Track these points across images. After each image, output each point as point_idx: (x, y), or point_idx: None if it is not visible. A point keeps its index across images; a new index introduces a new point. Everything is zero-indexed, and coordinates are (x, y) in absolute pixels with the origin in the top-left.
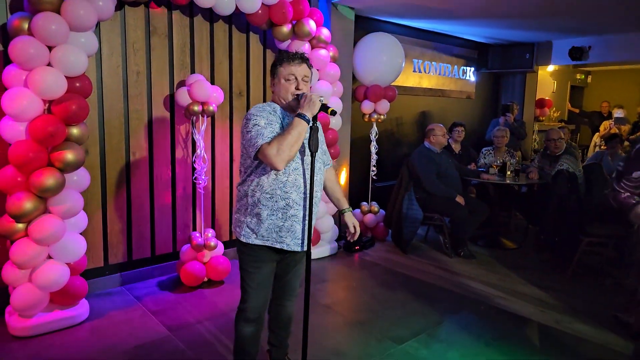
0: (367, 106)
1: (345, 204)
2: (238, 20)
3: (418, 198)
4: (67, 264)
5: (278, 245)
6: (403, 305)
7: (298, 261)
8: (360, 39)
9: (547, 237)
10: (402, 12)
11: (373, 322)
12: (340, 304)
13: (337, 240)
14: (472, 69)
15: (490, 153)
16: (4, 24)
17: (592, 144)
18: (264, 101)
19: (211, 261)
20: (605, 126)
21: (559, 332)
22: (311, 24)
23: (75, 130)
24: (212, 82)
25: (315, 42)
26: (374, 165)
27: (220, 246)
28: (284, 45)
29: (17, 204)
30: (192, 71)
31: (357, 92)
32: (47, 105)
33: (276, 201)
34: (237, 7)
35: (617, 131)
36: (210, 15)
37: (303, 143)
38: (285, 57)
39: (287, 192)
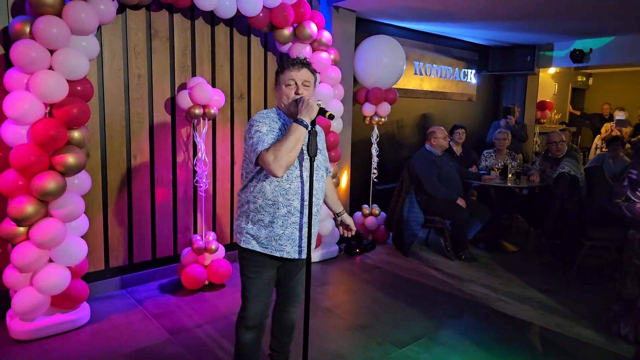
0: (368, 109)
1: (340, 207)
2: (239, 23)
3: (419, 201)
4: (68, 267)
5: (278, 254)
6: (404, 308)
7: (301, 267)
8: (361, 42)
9: (548, 240)
10: (403, 14)
11: (374, 325)
12: (341, 308)
13: (338, 243)
14: (473, 71)
15: (492, 155)
16: (5, 27)
17: (594, 146)
18: (265, 104)
19: (212, 264)
20: (606, 128)
21: (561, 336)
22: (312, 27)
23: (76, 134)
24: (213, 85)
25: (317, 45)
26: (375, 168)
27: (221, 249)
28: (285, 48)
29: (18, 207)
30: (193, 74)
31: (358, 94)
32: (48, 108)
33: (278, 208)
34: (238, 10)
35: (619, 133)
36: (212, 18)
37: (302, 148)
38: (286, 63)
39: (289, 200)
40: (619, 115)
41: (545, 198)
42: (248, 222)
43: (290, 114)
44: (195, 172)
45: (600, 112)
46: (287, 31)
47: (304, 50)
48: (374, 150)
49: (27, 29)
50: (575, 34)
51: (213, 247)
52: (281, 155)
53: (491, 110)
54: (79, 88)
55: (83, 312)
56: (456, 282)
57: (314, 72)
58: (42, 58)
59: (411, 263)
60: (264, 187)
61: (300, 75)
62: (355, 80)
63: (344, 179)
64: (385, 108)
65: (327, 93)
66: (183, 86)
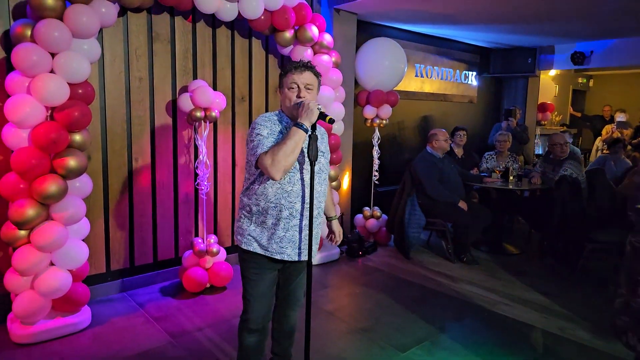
0: (369, 111)
1: (332, 212)
2: (240, 26)
3: (420, 203)
4: (69, 270)
5: (278, 256)
6: (406, 311)
7: (301, 271)
8: (362, 44)
9: (550, 242)
10: (404, 17)
11: (376, 329)
12: (343, 311)
13: (339, 246)
14: (474, 73)
15: (493, 157)
16: (7, 30)
17: (594, 148)
18: (266, 106)
19: (213, 267)
20: (607, 130)
21: (563, 339)
22: (313, 30)
23: (77, 137)
24: (215, 88)
25: (318, 47)
26: (376, 170)
27: (223, 252)
28: (286, 51)
29: (19, 211)
30: (195, 77)
31: (359, 97)
32: (49, 112)
33: (281, 210)
34: (239, 13)
35: (620, 135)
36: (213, 21)
37: (303, 152)
38: (289, 66)
39: (291, 202)
40: (620, 117)
41: (547, 200)
42: (250, 224)
43: (293, 117)
44: (196, 174)
45: (601, 114)
46: (288, 34)
47: (305, 53)
48: (375, 153)
49: (29, 32)
50: (576, 36)
51: (214, 249)
52: (279, 159)
53: (492, 112)
54: (80, 91)
55: (84, 316)
56: (458, 284)
57: (317, 75)
58: (44, 61)
59: (413, 266)
60: (267, 190)
61: (303, 78)
62: (356, 83)
63: (346, 181)
64: (386, 110)
65: (328, 95)
66: (184, 89)
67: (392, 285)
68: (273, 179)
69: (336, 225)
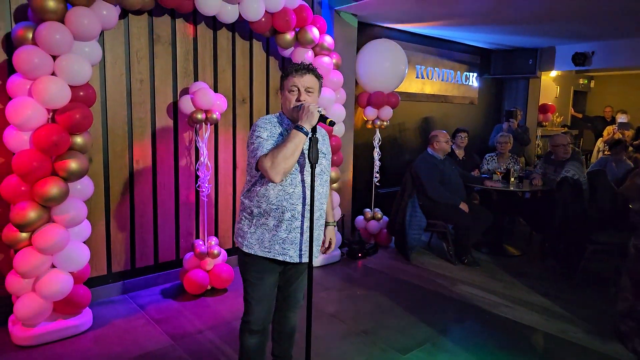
0: (370, 112)
1: (330, 218)
2: (241, 27)
3: (421, 205)
4: (70, 272)
5: (281, 258)
6: (407, 313)
7: (301, 273)
8: (363, 46)
9: (551, 244)
10: (405, 18)
11: (377, 331)
12: (344, 313)
13: (340, 247)
14: (475, 74)
15: (494, 159)
16: (8, 33)
17: (596, 149)
18: (267, 108)
19: (214, 269)
20: (608, 131)
21: (564, 342)
22: (314, 32)
23: (79, 139)
24: (216, 90)
25: (319, 49)
26: (377, 172)
27: (224, 254)
28: (287, 53)
29: (21, 213)
30: (196, 79)
31: (360, 98)
32: (51, 114)
33: (283, 212)
34: (240, 15)
35: (621, 136)
36: (214, 23)
37: (304, 155)
38: (290, 68)
39: (293, 204)
40: (621, 118)
41: (548, 202)
42: (251, 226)
43: (294, 119)
44: (197, 176)
45: (602, 115)
46: (289, 36)
47: (305, 55)
48: (376, 154)
49: (30, 35)
50: (577, 37)
51: (215, 251)
52: (278, 161)
53: (493, 114)
54: (81, 93)
55: (85, 318)
56: (459, 286)
57: (319, 77)
58: (45, 64)
59: (414, 267)
60: (268, 192)
61: (303, 81)
62: (357, 84)
63: (347, 183)
64: (387, 112)
65: (329, 97)
66: (185, 91)
67: (393, 287)
68: (273, 182)
69: (331, 233)
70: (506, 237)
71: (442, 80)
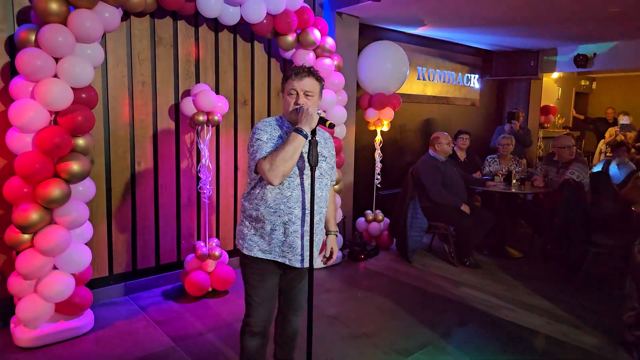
0: (371, 114)
1: (333, 226)
2: (243, 29)
3: (423, 207)
4: (72, 274)
5: (280, 260)
6: (409, 316)
7: (303, 276)
8: (364, 48)
9: (554, 246)
10: (406, 20)
11: (379, 333)
12: (345, 315)
13: (341, 249)
14: (476, 76)
15: (496, 161)
16: (11, 35)
17: (598, 150)
18: (269, 110)
19: (215, 271)
20: (610, 133)
21: (567, 345)
22: (316, 33)
23: (81, 141)
24: (217, 92)
25: (320, 51)
26: (378, 173)
27: (225, 255)
28: (288, 55)
29: (23, 215)
30: (197, 81)
31: (361, 100)
32: (53, 116)
33: (279, 216)
34: (242, 17)
35: (623, 138)
36: (215, 25)
37: (303, 157)
38: (289, 72)
39: (290, 207)
40: (624, 120)
41: (550, 204)
42: (251, 229)
43: (294, 122)
44: (198, 178)
45: (604, 116)
46: (290, 37)
47: (307, 57)
48: (378, 156)
49: (33, 37)
50: (579, 39)
51: (216, 253)
52: (277, 164)
53: (494, 115)
54: (83, 95)
55: (87, 319)
56: (460, 288)
57: (319, 80)
58: (47, 66)
59: (415, 269)
60: (266, 195)
61: (302, 84)
62: (358, 86)
63: (348, 185)
64: (388, 113)
65: (330, 99)
66: (187, 93)
67: (395, 289)
68: (271, 184)
69: (332, 242)
70: (508, 239)
71: (443, 81)
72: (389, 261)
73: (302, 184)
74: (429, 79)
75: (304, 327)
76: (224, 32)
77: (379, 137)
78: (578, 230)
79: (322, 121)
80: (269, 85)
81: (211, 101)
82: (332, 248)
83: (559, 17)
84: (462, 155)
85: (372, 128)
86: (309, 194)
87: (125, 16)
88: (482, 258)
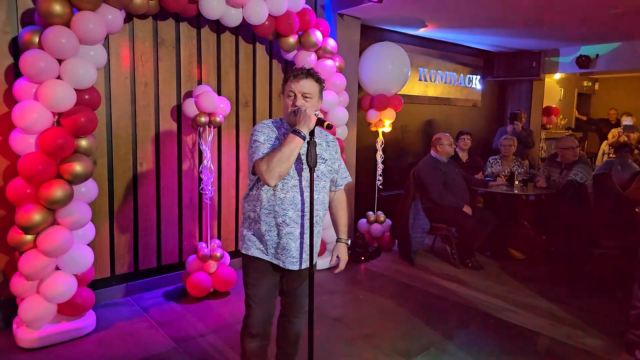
0: (372, 115)
1: (342, 234)
2: (244, 31)
3: (425, 208)
4: (74, 275)
5: (275, 262)
6: (411, 318)
7: (304, 279)
8: (366, 49)
9: (557, 248)
10: (408, 22)
11: (381, 335)
12: (347, 317)
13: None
14: (478, 77)
15: (498, 162)
16: (15, 37)
17: (601, 152)
18: (270, 111)
19: (217, 272)
20: (613, 134)
21: (570, 347)
22: (317, 35)
23: (83, 142)
24: (219, 93)
25: (322, 52)
26: (380, 175)
27: (226, 257)
28: (290, 56)
29: (26, 215)
30: (199, 82)
31: (362, 101)
32: (56, 117)
33: (274, 217)
34: (244, 18)
35: (626, 139)
36: (217, 26)
37: (301, 159)
38: (289, 73)
39: (284, 209)
40: (627, 121)
41: (553, 205)
42: (249, 230)
43: (293, 124)
44: (200, 179)
45: (606, 117)
46: (292, 39)
47: (309, 58)
48: (379, 157)
49: (36, 39)
50: (582, 40)
51: (218, 254)
52: (273, 165)
53: (496, 116)
54: (86, 97)
55: (89, 320)
56: (463, 290)
57: (319, 82)
58: (51, 68)
59: (417, 271)
60: (261, 196)
61: (300, 86)
62: (360, 87)
63: (349, 186)
64: (389, 114)
65: (332, 100)
66: (189, 94)
67: (397, 290)
68: (268, 185)
69: (339, 250)
70: (510, 240)
71: (445, 82)
72: (390, 262)
73: (298, 186)
74: (431, 80)
75: (305, 328)
76: (226, 34)
77: (380, 138)
78: (581, 232)
79: (319, 122)
80: (270, 86)
81: (213, 102)
82: (338, 256)
83: (560, 17)
84: (464, 156)
85: (373, 129)
86: (305, 196)
87: (128, 18)
88: (485, 259)
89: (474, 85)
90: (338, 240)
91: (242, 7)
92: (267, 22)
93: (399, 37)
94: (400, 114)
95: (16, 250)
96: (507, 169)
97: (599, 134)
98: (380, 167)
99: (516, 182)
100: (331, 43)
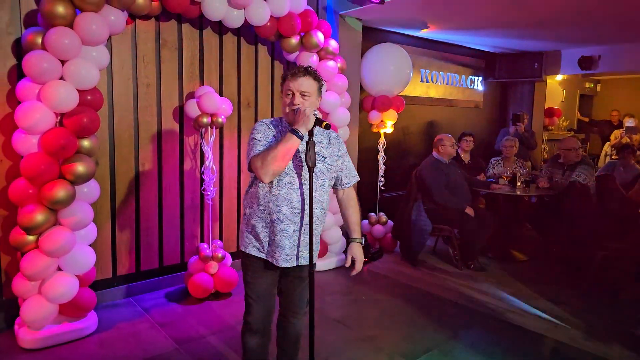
0: (374, 116)
1: (354, 233)
2: (247, 32)
3: (427, 209)
4: (76, 275)
5: (270, 259)
6: (413, 319)
7: (303, 279)
8: (367, 50)
9: (559, 249)
10: (409, 23)
11: (383, 337)
12: (349, 318)
13: (345, 252)
14: (480, 78)
15: (499, 163)
16: (18, 38)
17: (603, 153)
18: (272, 112)
19: (219, 273)
20: (616, 135)
21: (573, 350)
22: (319, 36)
23: (86, 143)
24: (221, 94)
25: (323, 53)
26: (382, 176)
27: (228, 257)
28: (292, 57)
29: (28, 216)
30: (201, 83)
31: (364, 102)
32: (59, 118)
33: (269, 214)
34: (245, 19)
35: (629, 140)
36: (219, 27)
37: (300, 158)
38: (287, 72)
39: (278, 206)
40: (629, 122)
41: (555, 207)
42: (247, 226)
43: (290, 123)
44: (202, 180)
45: (608, 118)
46: (294, 40)
47: (310, 59)
48: (381, 158)
49: (39, 40)
50: (583, 41)
51: (220, 255)
52: (267, 162)
53: (498, 117)
54: (89, 97)
55: (90, 321)
56: (465, 292)
57: (317, 79)
58: (54, 68)
59: (419, 272)
60: (258, 193)
61: (297, 84)
62: (361, 88)
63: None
64: (391, 115)
65: (333, 101)
66: (191, 95)
67: (399, 292)
68: (262, 182)
69: (353, 251)
70: (513, 242)
71: (447, 83)
72: (392, 264)
73: (293, 183)
74: (432, 81)
75: (306, 330)
76: (228, 35)
77: (382, 139)
78: (584, 233)
79: (318, 122)
80: (272, 87)
81: (215, 103)
82: (352, 257)
83: (562, 19)
84: (466, 157)
85: (375, 130)
86: (302, 194)
87: (131, 19)
88: (487, 261)
89: (475, 87)
90: (351, 240)
91: (244, 9)
92: (269, 24)
93: (400, 38)
94: (402, 115)
95: (18, 251)
96: (509, 170)
97: (601, 135)
98: (382, 168)
99: (518, 184)
100: (333, 44)
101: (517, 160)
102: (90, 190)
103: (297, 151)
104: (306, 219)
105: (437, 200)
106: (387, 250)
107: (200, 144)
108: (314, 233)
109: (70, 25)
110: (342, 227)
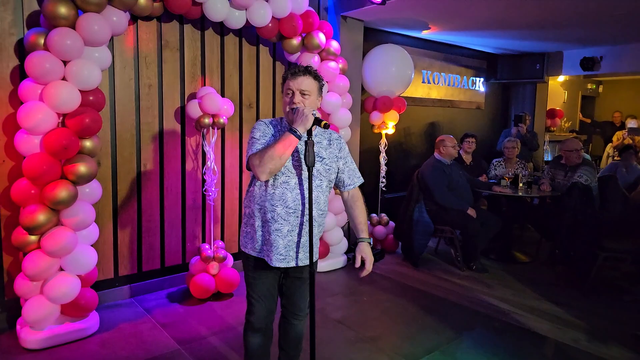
0: (376, 117)
1: (362, 233)
2: (248, 33)
3: (429, 210)
4: (78, 275)
5: (265, 259)
6: (415, 320)
7: (303, 281)
8: (369, 51)
9: (562, 251)
10: (411, 24)
11: (385, 338)
12: (351, 319)
13: (346, 253)
14: (482, 79)
15: (501, 164)
16: (20, 39)
17: (605, 154)
18: (274, 113)
19: (220, 273)
20: (618, 136)
21: (576, 351)
22: (321, 37)
23: (88, 143)
24: (223, 95)
25: (325, 54)
26: (383, 177)
27: (230, 258)
28: (293, 58)
29: (30, 216)
30: (203, 84)
31: (366, 103)
32: (61, 118)
33: (264, 213)
34: (247, 20)
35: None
36: (221, 28)
37: (299, 157)
38: (287, 72)
39: (273, 205)
40: (631, 123)
41: (557, 208)
42: (246, 226)
43: (290, 123)
44: (204, 180)
45: (611, 120)
46: (295, 41)
47: (312, 60)
48: (382, 159)
49: (42, 41)
50: (585, 42)
51: (221, 256)
52: (264, 160)
53: (500, 119)
54: (91, 98)
55: (92, 321)
56: (467, 293)
57: (317, 79)
58: (56, 69)
59: (421, 273)
60: (255, 192)
61: (297, 83)
62: (363, 89)
63: None
64: (393, 116)
65: (335, 102)
66: (193, 96)
67: (401, 293)
68: (259, 180)
69: (361, 251)
70: (515, 243)
71: (448, 85)
72: (394, 265)
73: (289, 182)
74: (434, 82)
75: (307, 330)
76: (230, 36)
77: (383, 140)
78: (587, 235)
79: (317, 122)
80: (274, 88)
81: (217, 104)
82: (362, 257)
83: (564, 20)
84: (467, 158)
85: (376, 131)
86: (299, 193)
87: (133, 20)
88: (489, 262)
89: (477, 88)
90: (359, 240)
91: (246, 9)
92: (270, 24)
93: (402, 39)
94: (404, 116)
95: (20, 251)
96: (511, 171)
97: (603, 136)
98: (383, 169)
99: (520, 185)
100: (334, 45)
101: (519, 161)
102: (92, 190)
103: (296, 151)
104: (303, 219)
105: (439, 201)
106: (389, 251)
107: (202, 145)
108: (305, 233)
109: (73, 26)
110: (343, 229)
